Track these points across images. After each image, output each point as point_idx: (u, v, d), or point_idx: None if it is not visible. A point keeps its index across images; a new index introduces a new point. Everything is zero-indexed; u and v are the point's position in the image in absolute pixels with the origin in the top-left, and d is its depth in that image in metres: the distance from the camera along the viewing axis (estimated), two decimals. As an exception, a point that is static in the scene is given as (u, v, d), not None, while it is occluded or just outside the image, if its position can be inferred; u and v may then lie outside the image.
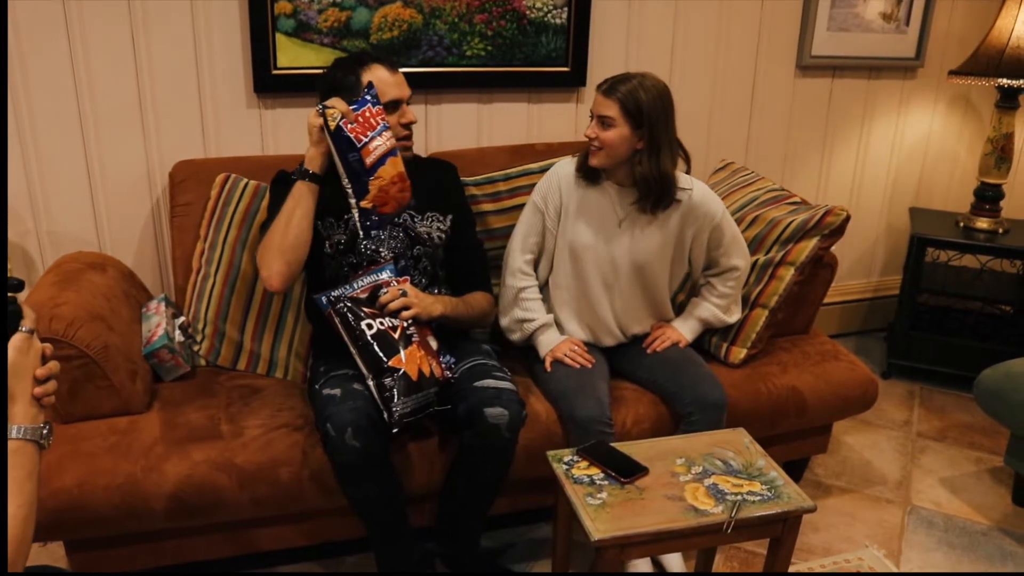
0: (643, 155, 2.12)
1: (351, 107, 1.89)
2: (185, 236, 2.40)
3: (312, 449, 1.96)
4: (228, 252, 2.33)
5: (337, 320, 1.91)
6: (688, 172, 2.25)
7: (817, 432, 2.54)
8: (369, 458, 1.83)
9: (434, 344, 2.07)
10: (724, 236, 2.30)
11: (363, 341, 1.88)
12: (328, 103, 1.88)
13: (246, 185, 2.37)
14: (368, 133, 1.88)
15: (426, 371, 1.92)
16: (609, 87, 2.11)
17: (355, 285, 1.98)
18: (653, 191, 2.14)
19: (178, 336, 2.22)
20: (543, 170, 2.55)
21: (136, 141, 2.46)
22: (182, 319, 2.29)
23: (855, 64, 3.24)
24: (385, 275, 2.00)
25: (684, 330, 2.35)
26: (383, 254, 2.08)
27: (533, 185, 2.47)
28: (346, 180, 1.89)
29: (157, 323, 2.20)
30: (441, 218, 2.18)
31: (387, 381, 1.85)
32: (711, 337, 2.44)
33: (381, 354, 1.87)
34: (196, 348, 2.31)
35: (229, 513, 1.95)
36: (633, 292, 2.29)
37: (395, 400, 1.85)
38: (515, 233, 2.32)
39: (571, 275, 2.28)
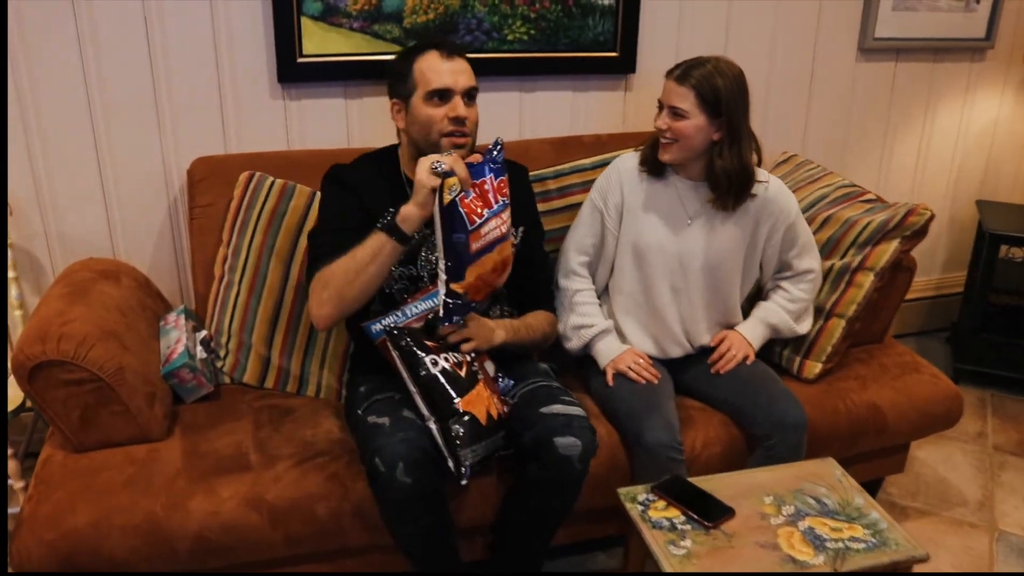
0: (722, 147, 1.92)
1: (472, 171, 1.65)
2: (205, 240, 2.20)
3: (352, 481, 1.76)
4: (254, 258, 2.12)
5: (396, 354, 1.70)
6: (759, 164, 2.03)
7: (894, 451, 2.33)
8: (422, 495, 1.63)
9: (491, 368, 1.86)
10: (799, 236, 2.09)
11: (427, 379, 1.68)
12: (446, 163, 1.61)
13: (272, 184, 2.17)
14: (483, 213, 1.65)
15: (493, 413, 1.72)
16: (682, 73, 1.89)
17: (409, 312, 1.78)
18: (734, 185, 1.94)
19: (200, 352, 2.02)
20: (596, 166, 2.34)
21: (151, 135, 2.25)
22: (204, 333, 2.09)
23: (920, 46, 3.00)
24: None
25: (751, 337, 2.13)
26: None
27: (585, 183, 2.27)
28: (441, 255, 1.67)
29: (176, 338, 2.00)
30: (513, 231, 1.96)
31: (454, 426, 1.65)
32: (782, 350, 2.22)
33: (449, 395, 1.67)
34: (219, 364, 2.11)
35: (259, 553, 1.75)
36: (702, 297, 2.08)
37: (465, 448, 1.65)
38: (570, 234, 2.12)
39: (635, 279, 2.07)
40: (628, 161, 2.07)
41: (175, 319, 2.08)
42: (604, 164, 2.33)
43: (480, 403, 1.70)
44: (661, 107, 1.94)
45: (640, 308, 2.09)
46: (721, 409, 2.04)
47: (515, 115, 2.57)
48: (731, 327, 2.16)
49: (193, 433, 1.89)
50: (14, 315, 2.17)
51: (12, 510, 2.09)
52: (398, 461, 1.59)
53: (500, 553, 1.89)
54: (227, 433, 1.89)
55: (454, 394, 1.67)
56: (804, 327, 2.16)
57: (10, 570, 1.63)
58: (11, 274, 2.13)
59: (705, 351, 2.14)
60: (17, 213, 2.20)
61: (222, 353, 2.11)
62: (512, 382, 1.91)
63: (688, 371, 2.13)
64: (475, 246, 1.64)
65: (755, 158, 1.98)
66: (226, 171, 2.21)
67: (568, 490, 1.76)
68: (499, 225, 1.67)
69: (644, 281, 2.07)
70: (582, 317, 2.07)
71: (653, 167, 2.02)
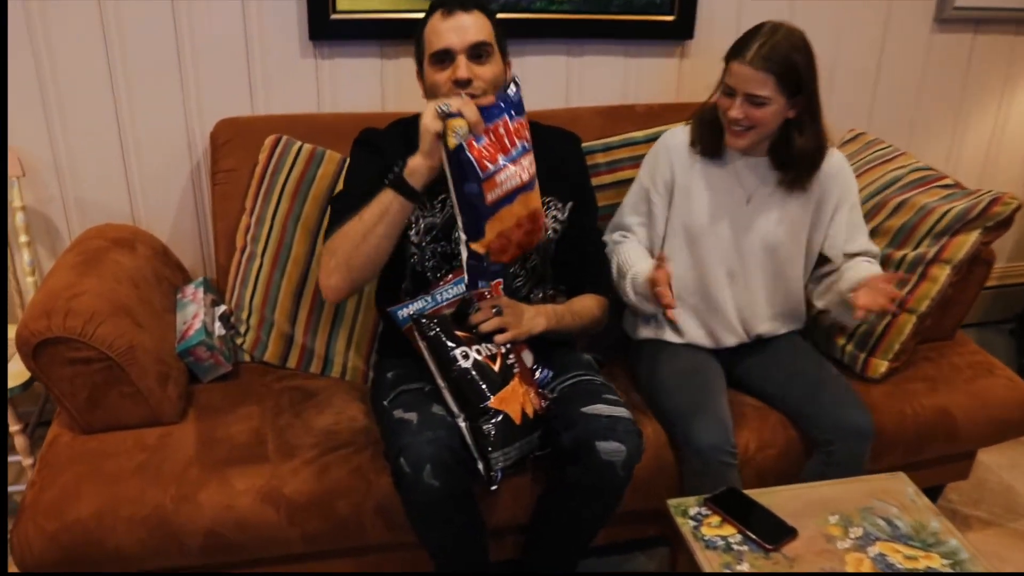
0: (801, 125, 1.75)
1: (484, 114, 1.45)
2: (228, 207, 2.06)
3: (377, 476, 1.63)
4: (278, 229, 1.98)
5: (424, 344, 1.56)
6: None
7: (960, 457, 2.15)
8: (451, 498, 1.49)
9: (528, 358, 1.71)
10: (857, 216, 1.92)
11: (456, 373, 1.53)
12: (452, 105, 1.42)
13: (300, 149, 2.02)
14: (499, 158, 1.44)
15: (529, 411, 1.57)
16: (755, 55, 1.68)
17: (439, 297, 1.62)
18: (807, 164, 1.77)
19: (218, 329, 1.89)
20: (648, 140, 2.16)
21: (173, 95, 2.11)
22: (223, 308, 1.96)
23: (1003, 17, 2.76)
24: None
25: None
26: None
27: (636, 158, 2.10)
28: (457, 211, 1.48)
29: (194, 313, 1.87)
30: (560, 206, 1.79)
31: (485, 426, 1.51)
32: (844, 345, 2.04)
33: (481, 392, 1.52)
34: (239, 341, 1.98)
35: (274, 550, 1.63)
36: (761, 282, 1.91)
37: (496, 450, 1.51)
38: (622, 204, 1.99)
39: (687, 264, 1.90)
40: (677, 137, 1.89)
41: (193, 292, 1.95)
42: (657, 138, 2.15)
43: (515, 400, 1.55)
44: (729, 92, 1.75)
45: (693, 295, 1.92)
46: (778, 407, 1.87)
47: (561, 81, 2.39)
48: (793, 314, 1.98)
49: (208, 417, 1.76)
50: (26, 281, 2.06)
51: (18, 487, 1.99)
52: (425, 463, 1.45)
53: (533, 554, 1.75)
54: (244, 418, 1.76)
55: (487, 391, 1.52)
56: None
57: (11, 569, 1.52)
58: (23, 238, 2.01)
59: (763, 342, 1.98)
60: (32, 175, 2.08)
61: (242, 329, 1.98)
62: (550, 373, 1.76)
63: (743, 362, 1.96)
64: (490, 196, 1.43)
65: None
66: (252, 134, 2.06)
67: (609, 496, 1.61)
68: (519, 172, 1.45)
69: (697, 266, 1.90)
70: (628, 266, 1.86)
71: (707, 146, 1.84)
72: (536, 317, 1.68)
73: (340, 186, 1.94)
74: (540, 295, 1.83)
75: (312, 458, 1.66)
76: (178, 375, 1.78)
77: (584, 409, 1.58)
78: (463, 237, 1.48)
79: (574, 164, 1.84)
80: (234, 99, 2.14)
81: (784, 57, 1.67)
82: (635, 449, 1.56)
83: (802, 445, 1.85)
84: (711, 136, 1.82)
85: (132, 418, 1.70)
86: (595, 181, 2.10)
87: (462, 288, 1.62)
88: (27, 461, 1.94)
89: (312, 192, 1.99)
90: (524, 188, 1.47)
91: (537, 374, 1.74)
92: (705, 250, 1.88)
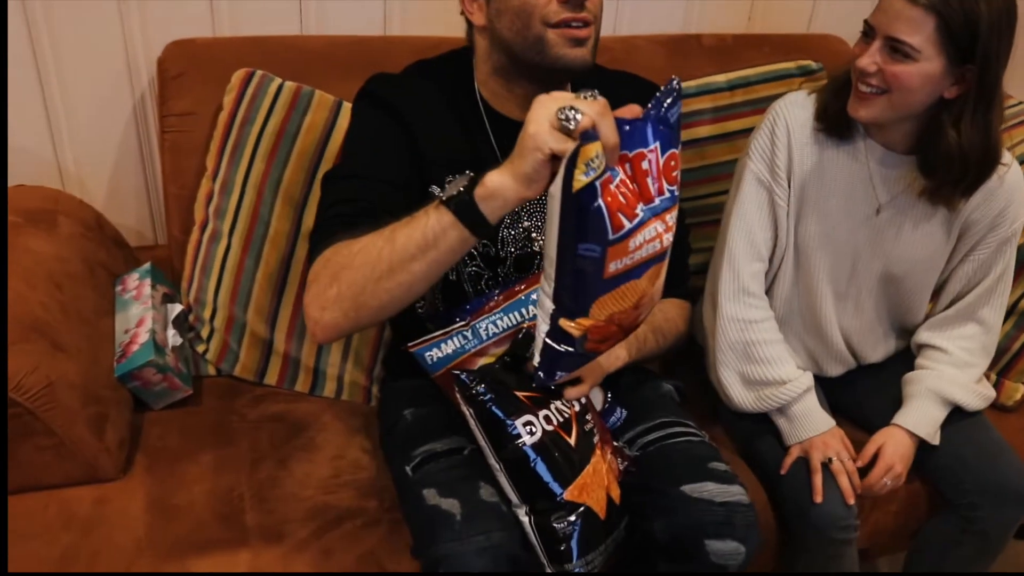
0: (963, 110, 1.24)
1: (623, 131, 0.90)
2: (183, 164, 1.55)
3: (397, 562, 1.20)
4: (251, 199, 1.49)
5: (469, 411, 1.10)
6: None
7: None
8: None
9: (598, 399, 1.28)
10: (999, 263, 1.43)
11: (518, 455, 1.08)
12: (587, 112, 0.87)
13: (280, 88, 1.51)
14: (637, 212, 0.92)
15: (615, 494, 1.14)
16: None
17: (483, 331, 1.14)
18: (970, 172, 1.28)
19: (172, 338, 1.41)
20: (732, 86, 1.68)
21: (106, 6, 1.55)
22: (179, 308, 1.47)
23: None
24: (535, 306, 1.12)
25: (925, 432, 1.41)
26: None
27: (717, 111, 1.62)
28: (553, 273, 0.96)
29: (139, 317, 1.39)
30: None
31: (558, 525, 1.07)
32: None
33: (552, 480, 1.08)
34: (201, 349, 1.50)
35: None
36: (874, 309, 1.48)
37: (575, 557, 1.08)
38: (731, 226, 1.40)
39: (791, 278, 1.45)
40: (798, 109, 1.38)
41: (137, 285, 1.45)
42: (743, 85, 1.68)
43: (598, 486, 1.12)
44: (868, 32, 1.25)
45: (795, 315, 1.48)
46: (901, 457, 1.46)
47: (610, 2, 1.87)
48: (908, 336, 1.55)
49: (161, 468, 1.30)
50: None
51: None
52: (477, 582, 1.03)
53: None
54: (211, 470, 1.30)
55: (560, 480, 1.08)
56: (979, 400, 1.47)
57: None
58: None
59: (875, 369, 1.55)
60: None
61: (204, 333, 1.50)
62: (624, 414, 1.32)
63: (848, 390, 1.54)
64: (613, 268, 0.94)
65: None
66: (214, 64, 1.54)
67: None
68: (660, 234, 0.96)
69: (803, 281, 1.44)
70: (768, 367, 1.39)
71: (836, 125, 1.35)
72: (615, 349, 1.23)
73: (337, 153, 1.44)
74: None
75: (306, 538, 1.22)
76: (119, 411, 1.31)
77: (686, 489, 1.15)
78: (549, 305, 0.98)
79: None
80: (190, 14, 1.59)
81: None
82: (754, 548, 1.15)
83: (927, 500, 1.46)
84: (840, 108, 1.33)
85: (55, 476, 1.23)
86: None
87: (517, 316, 1.16)
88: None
89: (297, 148, 1.49)
90: (659, 258, 0.98)
91: (611, 417, 1.31)
92: (813, 265, 1.42)
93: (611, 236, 0.91)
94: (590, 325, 0.98)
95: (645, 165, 0.92)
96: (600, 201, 0.89)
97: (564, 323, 0.97)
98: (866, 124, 1.32)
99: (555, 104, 0.88)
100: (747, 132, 1.54)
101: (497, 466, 1.09)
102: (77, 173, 1.65)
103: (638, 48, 1.79)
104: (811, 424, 1.37)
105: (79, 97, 1.60)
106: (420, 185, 1.19)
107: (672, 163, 0.95)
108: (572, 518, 1.08)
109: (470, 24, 1.23)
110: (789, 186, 1.37)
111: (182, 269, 1.54)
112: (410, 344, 1.16)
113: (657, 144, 0.93)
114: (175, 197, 1.56)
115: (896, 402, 1.45)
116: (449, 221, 0.95)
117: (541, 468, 1.07)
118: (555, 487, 1.07)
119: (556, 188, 0.90)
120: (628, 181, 0.91)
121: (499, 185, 0.93)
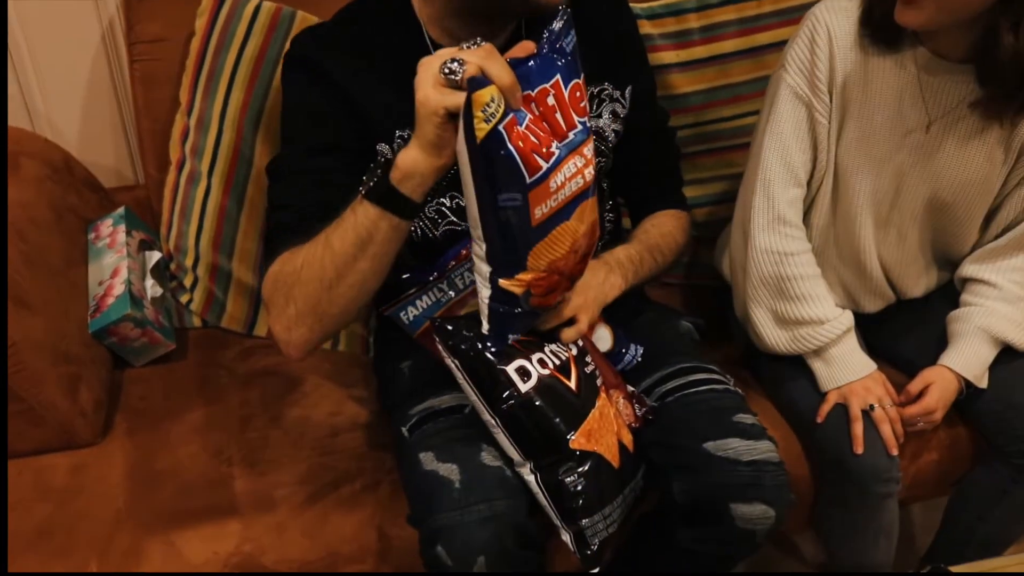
0: (1022, 10, 1.08)
1: (521, 71, 0.84)
2: (156, 95, 1.42)
3: (396, 525, 1.11)
4: (230, 136, 1.36)
5: (455, 363, 0.98)
6: None
7: None
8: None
9: (606, 339, 1.16)
10: None
11: (513, 405, 0.96)
12: (471, 60, 0.81)
13: (257, 8, 1.37)
14: (552, 150, 0.86)
15: (627, 441, 1.04)
16: None
17: (459, 280, 1.05)
18: (1018, 81, 1.13)
19: (151, 288, 1.31)
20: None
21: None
22: (157, 255, 1.36)
23: None
24: None
25: (973, 374, 1.28)
26: None
27: (743, 22, 1.47)
28: (479, 232, 0.89)
29: (114, 267, 1.28)
30: (618, 96, 1.19)
31: (568, 480, 0.97)
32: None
33: (556, 430, 0.97)
34: (184, 299, 1.39)
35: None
36: (918, 238, 1.34)
37: (591, 515, 0.98)
38: (766, 148, 1.25)
39: (827, 205, 1.31)
40: (841, 14, 1.21)
41: (110, 232, 1.34)
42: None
43: (607, 431, 1.02)
44: None
45: (831, 245, 1.35)
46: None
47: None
48: (953, 269, 1.42)
49: (143, 430, 1.21)
50: None
51: None
52: (477, 555, 0.93)
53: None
54: (197, 430, 1.21)
55: (564, 428, 0.98)
56: None
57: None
58: None
59: (917, 304, 1.43)
60: None
61: (187, 282, 1.39)
62: (640, 350, 1.20)
63: (886, 328, 1.42)
64: (539, 213, 0.87)
65: None
66: (186, -16, 1.40)
67: (736, 561, 1.13)
68: (581, 169, 0.90)
69: (842, 207, 1.30)
70: (804, 303, 1.26)
71: (883, 30, 1.19)
72: (609, 277, 1.12)
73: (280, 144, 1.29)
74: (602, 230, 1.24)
75: (302, 502, 1.13)
76: (94, 370, 1.21)
77: (708, 446, 1.04)
78: (485, 269, 0.91)
79: (626, 33, 1.22)
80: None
81: None
82: (783, 509, 1.05)
83: (970, 447, 1.36)
84: (887, 14, 1.17)
85: (28, 443, 1.14)
86: (685, 54, 1.54)
87: None
88: None
89: (278, 77, 1.35)
90: (584, 194, 0.92)
91: (625, 356, 1.19)
92: (852, 189, 1.28)
93: (529, 180, 0.85)
94: (531, 279, 0.91)
95: (551, 101, 0.87)
96: (510, 146, 0.83)
97: (504, 283, 0.91)
98: (916, 30, 1.17)
99: (438, 61, 0.83)
100: (777, 47, 1.40)
101: (493, 422, 0.98)
102: (46, 111, 1.52)
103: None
104: (851, 368, 1.26)
105: (41, 26, 1.45)
106: (368, 148, 1.07)
107: (577, 94, 0.90)
108: (581, 470, 0.98)
109: None
110: (831, 101, 1.23)
111: (161, 207, 1.42)
112: (383, 307, 1.07)
113: (558, 77, 0.88)
114: (149, 132, 1.43)
115: (939, 340, 1.33)
116: (376, 213, 0.91)
117: (540, 416, 0.96)
118: (559, 434, 0.97)
119: (460, 143, 0.84)
120: (537, 120, 0.86)
121: (411, 162, 0.88)
